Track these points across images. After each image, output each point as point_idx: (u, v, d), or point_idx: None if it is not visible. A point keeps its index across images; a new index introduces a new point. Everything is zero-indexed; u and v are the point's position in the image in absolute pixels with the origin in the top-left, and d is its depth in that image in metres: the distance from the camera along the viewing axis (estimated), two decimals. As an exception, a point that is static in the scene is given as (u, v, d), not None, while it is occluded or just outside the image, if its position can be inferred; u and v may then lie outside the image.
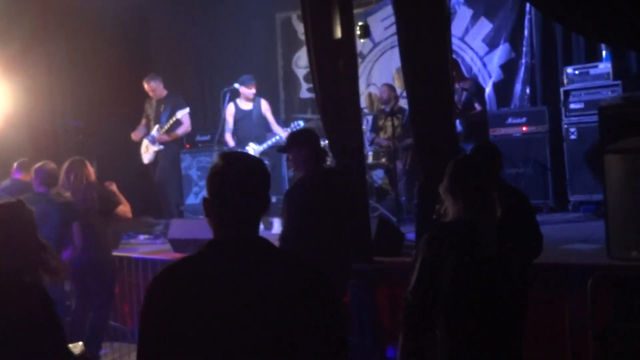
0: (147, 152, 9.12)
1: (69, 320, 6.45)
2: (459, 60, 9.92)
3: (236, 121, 8.99)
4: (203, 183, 10.00)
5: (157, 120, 9.09)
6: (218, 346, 2.10)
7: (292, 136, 5.33)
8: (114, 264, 6.81)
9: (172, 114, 8.95)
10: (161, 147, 9.01)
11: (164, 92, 9.23)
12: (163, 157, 8.99)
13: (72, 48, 9.95)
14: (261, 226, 8.12)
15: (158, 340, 2.13)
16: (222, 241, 2.25)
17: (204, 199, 2.29)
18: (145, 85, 9.15)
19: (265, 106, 9.06)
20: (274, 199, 8.82)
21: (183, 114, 8.97)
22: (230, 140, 8.99)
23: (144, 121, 9.33)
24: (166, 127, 8.90)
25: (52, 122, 9.68)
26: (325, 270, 2.33)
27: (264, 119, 9.05)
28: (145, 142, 9.16)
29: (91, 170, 6.45)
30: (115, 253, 7.11)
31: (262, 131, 9.06)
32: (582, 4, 5.59)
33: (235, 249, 2.21)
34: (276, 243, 4.97)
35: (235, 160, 2.33)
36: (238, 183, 2.25)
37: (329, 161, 6.84)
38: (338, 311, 2.30)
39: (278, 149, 5.75)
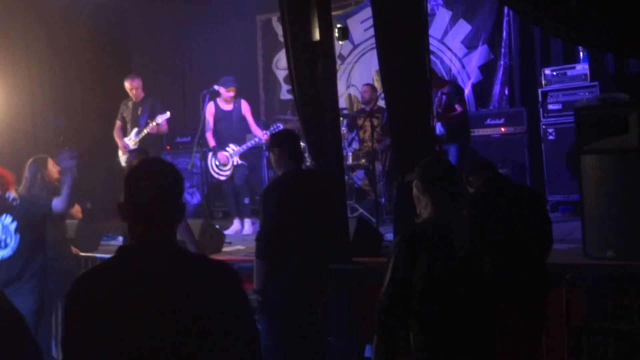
0: (125, 154, 9.01)
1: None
2: (438, 62, 9.97)
3: (216, 121, 8.94)
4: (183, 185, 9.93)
5: (135, 123, 8.92)
6: (135, 349, 2.15)
7: (272, 136, 5.49)
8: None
9: (152, 117, 8.71)
10: None
11: (142, 94, 9.04)
12: None
13: (52, 48, 9.90)
14: (239, 227, 7.99)
15: (80, 346, 2.18)
16: (134, 246, 2.29)
17: (119, 204, 2.33)
18: (129, 84, 8.90)
19: (245, 107, 9.01)
20: (246, 200, 8.78)
21: (164, 118, 8.70)
22: (211, 140, 8.93)
23: (119, 123, 9.14)
24: (146, 130, 8.78)
25: (32, 122, 9.62)
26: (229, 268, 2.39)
27: (244, 120, 9.01)
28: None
29: (52, 170, 6.28)
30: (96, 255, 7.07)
31: (242, 132, 9.03)
32: (559, 7, 5.63)
33: (145, 254, 2.25)
34: (252, 244, 5.00)
35: (149, 166, 2.39)
36: (149, 189, 2.29)
37: (308, 162, 6.86)
38: (248, 308, 2.36)
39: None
